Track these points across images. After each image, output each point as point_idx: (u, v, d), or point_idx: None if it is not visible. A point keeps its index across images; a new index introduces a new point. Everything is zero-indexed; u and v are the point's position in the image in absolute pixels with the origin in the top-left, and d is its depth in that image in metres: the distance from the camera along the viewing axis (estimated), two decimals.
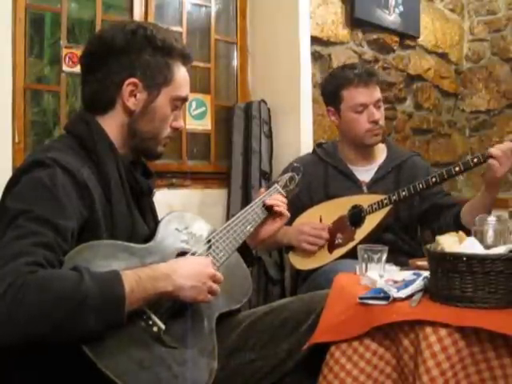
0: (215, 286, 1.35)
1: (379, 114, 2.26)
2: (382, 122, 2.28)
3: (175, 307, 1.31)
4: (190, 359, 1.26)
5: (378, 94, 2.28)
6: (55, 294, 1.08)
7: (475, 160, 2.01)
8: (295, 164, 1.94)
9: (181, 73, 1.45)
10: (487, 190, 2.04)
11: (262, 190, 1.78)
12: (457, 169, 2.06)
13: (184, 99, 1.48)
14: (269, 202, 1.70)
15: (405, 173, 2.30)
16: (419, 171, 2.28)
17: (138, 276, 1.19)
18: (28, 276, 1.08)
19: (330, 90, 2.33)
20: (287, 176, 1.84)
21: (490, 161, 1.95)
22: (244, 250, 1.65)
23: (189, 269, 1.30)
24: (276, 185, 1.80)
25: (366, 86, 2.24)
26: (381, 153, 2.36)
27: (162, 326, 1.23)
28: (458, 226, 2.03)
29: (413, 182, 2.13)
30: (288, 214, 1.72)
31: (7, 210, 1.21)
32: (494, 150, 1.96)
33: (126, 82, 1.39)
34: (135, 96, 1.40)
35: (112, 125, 1.42)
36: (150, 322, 1.23)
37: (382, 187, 2.25)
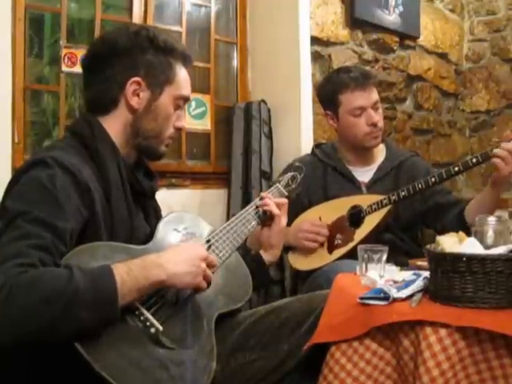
0: (208, 271, 1.34)
1: (378, 117, 2.25)
2: (380, 124, 2.27)
3: (174, 308, 1.31)
4: (188, 360, 1.25)
5: (375, 95, 2.26)
6: (46, 291, 1.08)
7: (474, 160, 2.01)
8: (297, 163, 1.93)
9: (182, 73, 1.48)
10: (492, 188, 2.04)
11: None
12: (456, 169, 2.06)
13: (186, 99, 1.50)
14: (264, 207, 1.67)
15: (404, 173, 2.30)
16: (419, 172, 2.27)
17: (128, 267, 1.19)
18: (19, 276, 1.08)
19: (327, 95, 2.32)
20: (289, 175, 1.83)
21: (495, 160, 1.95)
22: (259, 269, 1.65)
23: (180, 254, 1.30)
24: (278, 184, 1.79)
25: (362, 89, 2.22)
26: (380, 153, 2.36)
27: (160, 327, 1.23)
28: (461, 224, 2.03)
29: (412, 182, 2.12)
30: (278, 212, 1.67)
31: (7, 209, 1.21)
32: (499, 151, 1.95)
33: (129, 81, 1.41)
34: (138, 95, 1.42)
35: (115, 124, 1.43)
36: (148, 324, 1.22)
37: (382, 188, 2.25)
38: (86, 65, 1.48)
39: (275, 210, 1.66)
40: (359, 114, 2.23)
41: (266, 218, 1.68)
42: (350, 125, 2.25)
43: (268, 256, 1.70)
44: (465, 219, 2.10)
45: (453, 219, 2.15)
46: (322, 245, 2.20)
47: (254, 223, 1.65)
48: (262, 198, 1.69)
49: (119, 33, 1.45)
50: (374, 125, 2.23)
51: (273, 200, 1.69)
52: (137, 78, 1.41)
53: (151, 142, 1.46)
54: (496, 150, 1.96)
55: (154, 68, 1.43)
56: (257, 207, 1.67)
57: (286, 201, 1.72)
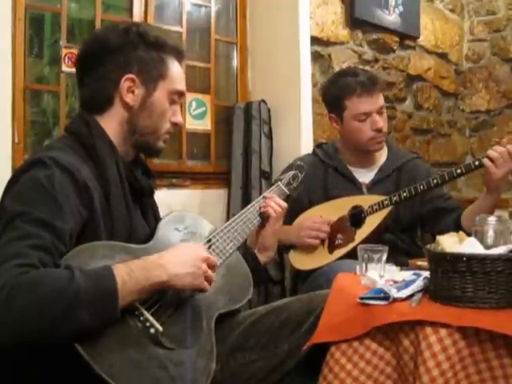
0: (210, 272, 1.34)
1: (382, 122, 2.22)
2: (385, 129, 2.24)
3: (174, 308, 1.31)
4: (187, 360, 1.25)
5: (381, 101, 2.24)
6: (47, 292, 1.08)
7: (476, 163, 2.00)
8: (298, 162, 1.92)
9: (175, 67, 1.47)
10: (488, 193, 2.03)
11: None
12: (458, 171, 2.04)
13: (181, 93, 1.49)
14: (262, 209, 1.69)
15: (405, 175, 2.29)
16: (420, 174, 2.27)
17: (129, 268, 1.19)
18: (20, 277, 1.08)
19: (332, 98, 2.29)
20: (290, 174, 1.83)
21: (486, 163, 1.95)
22: (257, 268, 1.67)
23: (181, 255, 1.29)
24: (279, 183, 1.80)
25: (369, 95, 2.19)
26: (381, 154, 2.35)
27: (160, 328, 1.23)
28: (457, 229, 2.02)
29: (413, 184, 2.12)
30: (274, 216, 1.68)
31: (5, 210, 1.21)
32: (492, 152, 1.95)
33: (123, 78, 1.41)
34: (133, 92, 1.42)
35: (111, 123, 1.42)
36: (148, 324, 1.22)
37: (382, 189, 2.24)
38: (79, 65, 1.48)
39: (273, 214, 1.68)
40: (364, 119, 2.21)
41: (265, 219, 1.69)
42: (355, 129, 2.23)
43: (262, 257, 1.72)
44: (461, 225, 2.09)
45: (450, 224, 2.14)
46: (322, 244, 2.20)
47: (255, 222, 1.66)
48: (264, 198, 1.70)
49: (109, 30, 1.45)
50: (379, 130, 2.21)
51: (275, 201, 1.69)
52: (130, 75, 1.41)
53: (148, 138, 1.46)
54: (488, 152, 1.96)
55: (147, 64, 1.42)
56: (258, 207, 1.68)
57: (285, 205, 1.73)
